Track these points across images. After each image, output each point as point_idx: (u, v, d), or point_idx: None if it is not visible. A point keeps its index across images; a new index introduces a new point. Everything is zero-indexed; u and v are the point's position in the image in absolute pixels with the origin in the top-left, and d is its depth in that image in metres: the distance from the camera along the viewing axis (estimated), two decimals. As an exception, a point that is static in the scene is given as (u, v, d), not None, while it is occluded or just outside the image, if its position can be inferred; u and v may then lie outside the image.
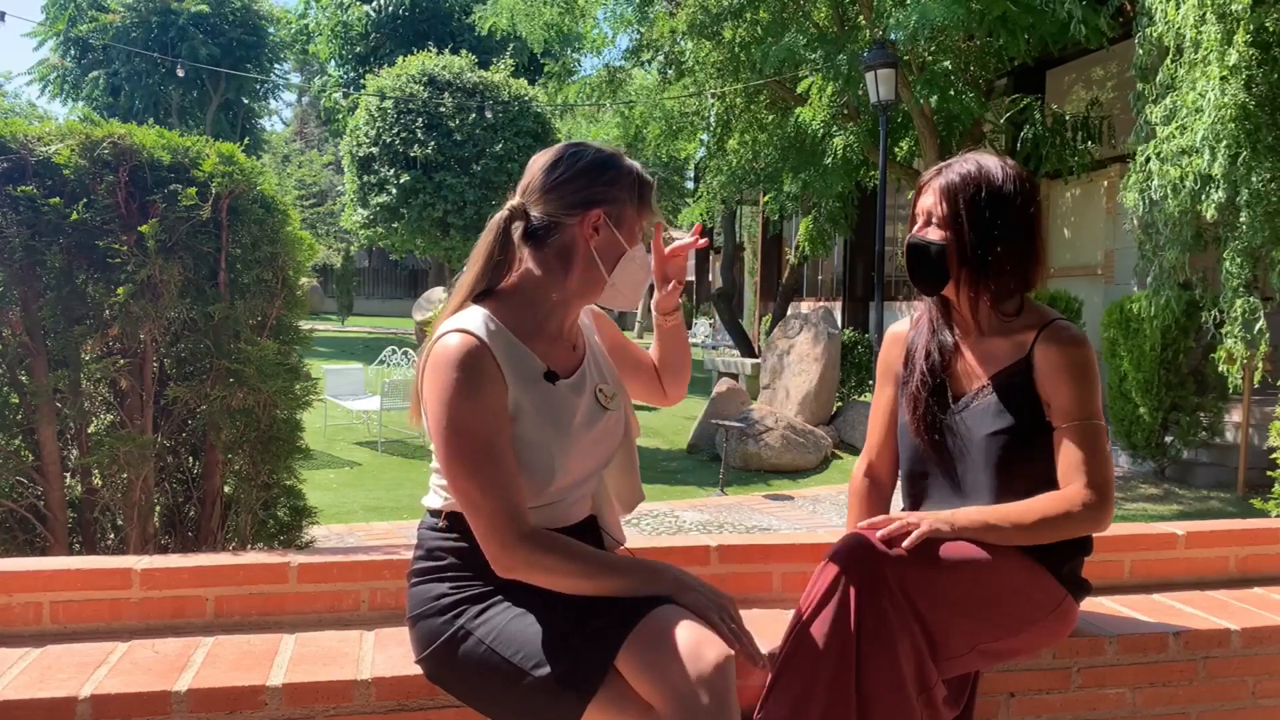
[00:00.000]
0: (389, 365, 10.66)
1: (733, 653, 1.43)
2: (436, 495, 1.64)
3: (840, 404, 10.96)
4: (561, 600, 1.52)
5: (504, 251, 1.62)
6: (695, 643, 1.40)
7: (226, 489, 3.28)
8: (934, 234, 1.82)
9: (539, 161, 1.65)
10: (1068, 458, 1.76)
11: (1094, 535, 1.91)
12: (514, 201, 1.63)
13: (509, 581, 1.53)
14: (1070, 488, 1.75)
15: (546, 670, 1.46)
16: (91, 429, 3.09)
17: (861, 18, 10.26)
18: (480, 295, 1.62)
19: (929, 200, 1.84)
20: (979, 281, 1.81)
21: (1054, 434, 1.79)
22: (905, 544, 1.66)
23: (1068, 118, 10.40)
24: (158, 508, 3.18)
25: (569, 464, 1.58)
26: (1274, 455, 4.78)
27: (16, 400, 2.97)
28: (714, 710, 1.37)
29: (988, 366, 1.85)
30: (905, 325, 2.01)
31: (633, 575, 1.53)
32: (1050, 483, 1.79)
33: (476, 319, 1.56)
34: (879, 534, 1.67)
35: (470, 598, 1.56)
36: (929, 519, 1.69)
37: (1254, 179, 5.40)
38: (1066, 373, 1.77)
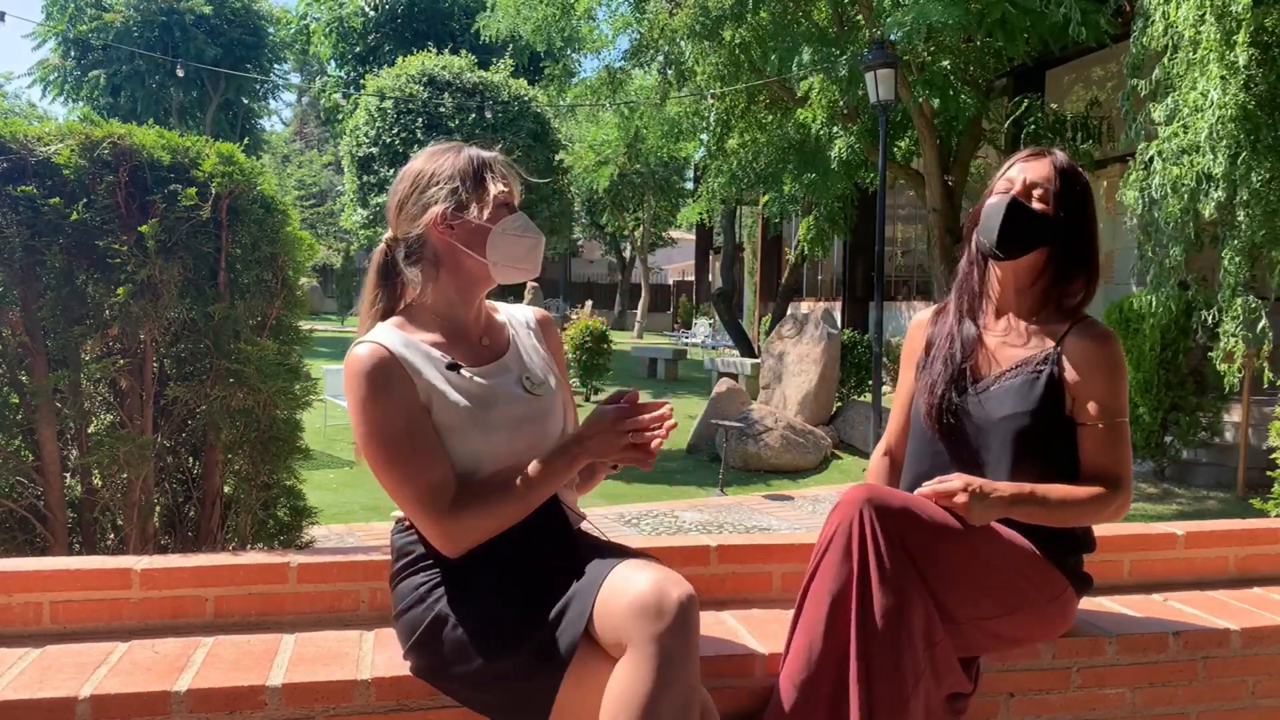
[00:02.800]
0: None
1: (693, 591, 1.49)
2: None
3: (840, 404, 10.96)
4: (533, 574, 1.59)
5: (388, 279, 1.77)
6: (658, 585, 1.47)
7: (226, 489, 3.28)
8: (1037, 204, 1.85)
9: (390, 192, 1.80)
10: (1098, 453, 1.80)
11: (1095, 533, 1.92)
12: (387, 235, 1.78)
13: (479, 564, 1.59)
14: (1103, 483, 1.79)
15: (524, 645, 1.52)
16: (91, 429, 3.09)
17: (861, 17, 10.26)
18: (385, 315, 1.76)
19: (1034, 174, 1.86)
20: (1070, 261, 1.85)
21: (1081, 428, 1.81)
22: (932, 490, 1.68)
23: (1068, 117, 10.40)
24: (158, 508, 3.18)
25: (494, 447, 1.65)
26: (1274, 455, 4.78)
27: (16, 400, 2.97)
28: (680, 644, 1.44)
29: (1013, 353, 1.87)
30: (929, 313, 2.04)
31: (553, 471, 1.62)
32: (1062, 474, 1.81)
33: (380, 330, 1.70)
34: (932, 488, 1.70)
35: (445, 582, 1.62)
36: (987, 493, 1.70)
37: (1254, 178, 5.41)
38: (1100, 369, 1.80)
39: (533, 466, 1.62)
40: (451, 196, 1.70)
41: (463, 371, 1.68)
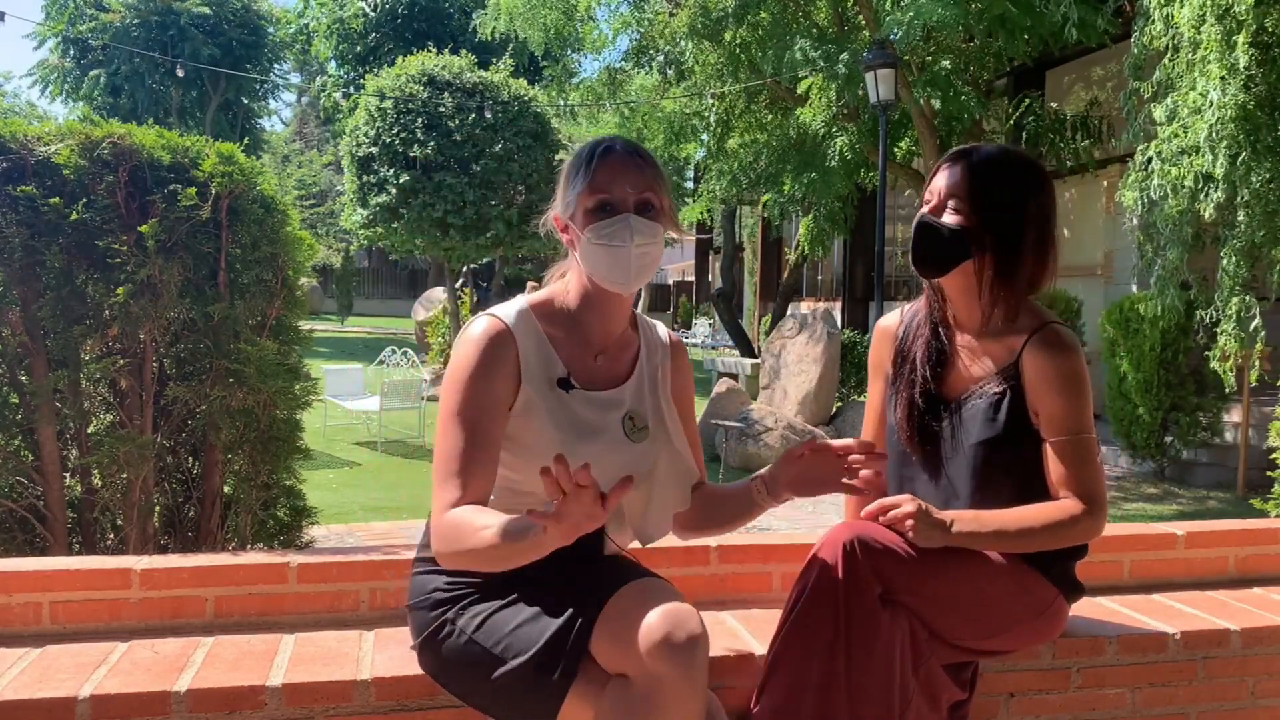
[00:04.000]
0: (389, 365, 10.64)
1: (703, 629, 1.42)
2: None
3: (840, 404, 10.96)
4: (542, 591, 1.53)
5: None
6: (665, 616, 1.41)
7: (226, 489, 3.28)
8: (950, 217, 1.75)
9: None
10: (1059, 471, 1.73)
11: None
12: None
13: (498, 578, 1.54)
14: (1065, 501, 1.72)
15: (525, 658, 1.47)
16: (91, 429, 3.09)
17: (861, 18, 10.26)
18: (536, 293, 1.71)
19: (950, 180, 1.76)
20: (998, 272, 1.74)
21: (1045, 445, 1.76)
22: (886, 519, 1.64)
23: (1068, 117, 10.41)
24: (157, 508, 3.18)
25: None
26: (1274, 455, 4.78)
27: (16, 400, 2.96)
28: (683, 682, 1.38)
29: (979, 370, 1.82)
30: (894, 319, 1.97)
31: (520, 532, 1.39)
32: (1030, 491, 1.76)
33: (512, 309, 1.63)
34: (869, 510, 1.65)
35: (460, 595, 1.59)
36: (933, 516, 1.66)
37: (1254, 179, 5.40)
38: (1055, 384, 1.73)
39: (522, 546, 1.38)
40: (566, 197, 1.62)
41: (574, 391, 1.60)
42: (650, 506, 1.69)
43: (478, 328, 1.58)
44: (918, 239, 1.76)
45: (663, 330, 1.81)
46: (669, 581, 1.58)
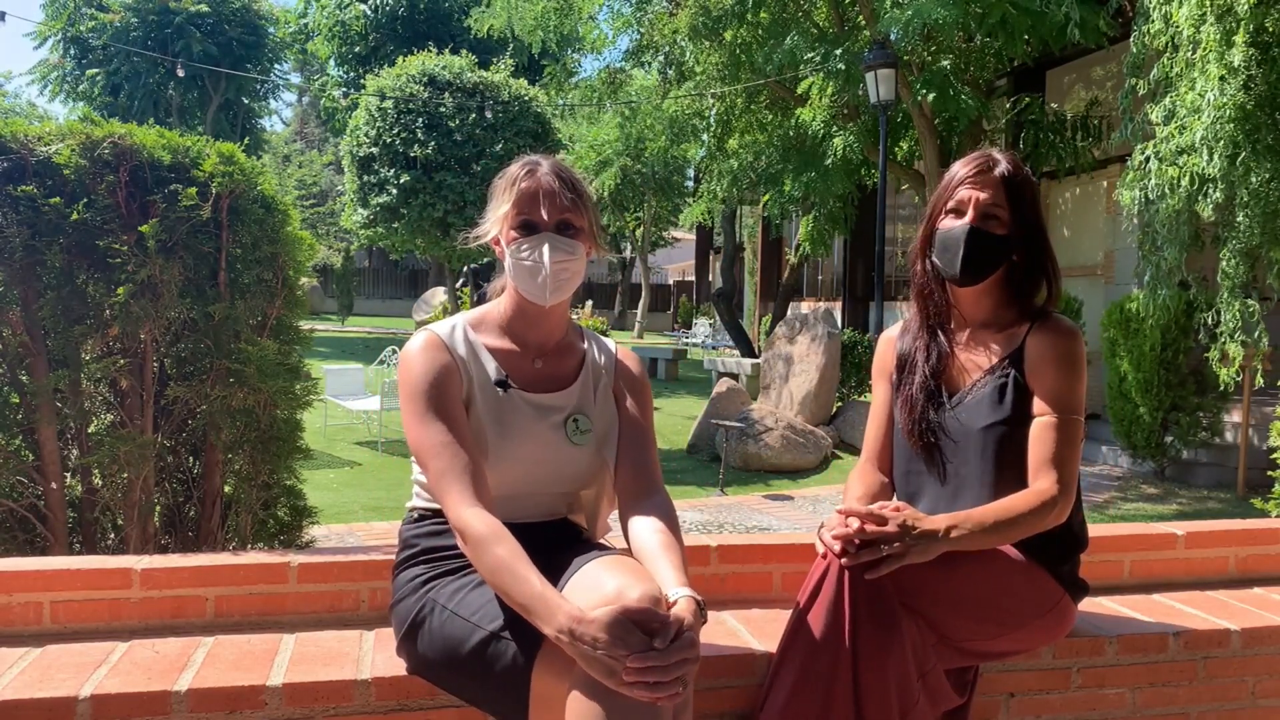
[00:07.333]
0: (389, 365, 10.65)
1: (655, 593, 1.41)
2: (415, 497, 1.75)
3: (840, 404, 10.96)
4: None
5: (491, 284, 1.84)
6: (618, 588, 1.42)
7: (226, 489, 3.28)
8: (995, 226, 1.82)
9: None
10: (1041, 450, 1.76)
11: (1093, 535, 1.92)
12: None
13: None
14: (1039, 483, 1.74)
15: (495, 623, 1.50)
16: (91, 429, 3.09)
17: (861, 17, 10.26)
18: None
19: (986, 193, 1.82)
20: (1028, 272, 1.85)
21: (1032, 422, 1.79)
22: (872, 575, 1.60)
23: (1068, 117, 10.41)
24: (158, 508, 3.18)
25: (503, 468, 1.64)
26: (1274, 455, 4.78)
27: (16, 400, 2.96)
28: None
29: (983, 360, 1.87)
30: (897, 329, 2.04)
31: (533, 599, 1.41)
32: None
33: (446, 324, 1.73)
34: (848, 533, 1.63)
35: (441, 574, 1.63)
36: (923, 527, 1.64)
37: (1253, 179, 5.40)
38: (1054, 362, 1.79)
39: (529, 592, 1.41)
40: (491, 216, 1.73)
41: (511, 391, 1.68)
42: (596, 510, 1.78)
43: (415, 342, 1.68)
44: (970, 247, 1.81)
45: (610, 344, 1.86)
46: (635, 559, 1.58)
